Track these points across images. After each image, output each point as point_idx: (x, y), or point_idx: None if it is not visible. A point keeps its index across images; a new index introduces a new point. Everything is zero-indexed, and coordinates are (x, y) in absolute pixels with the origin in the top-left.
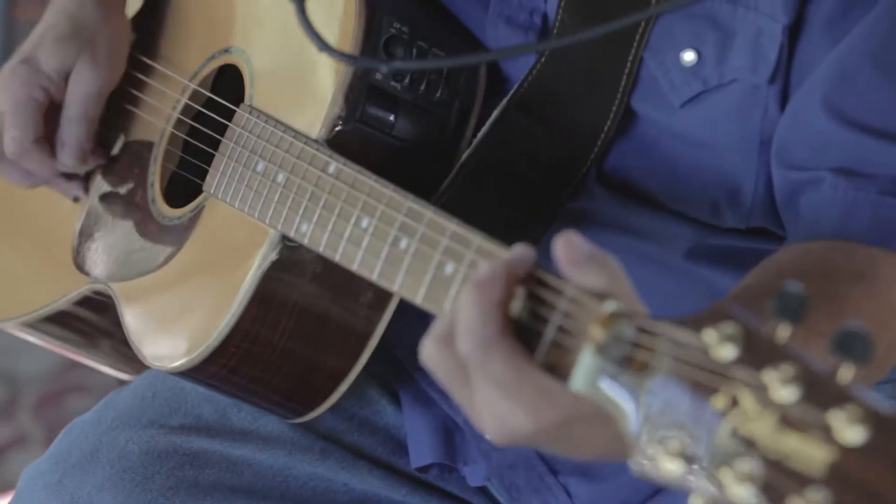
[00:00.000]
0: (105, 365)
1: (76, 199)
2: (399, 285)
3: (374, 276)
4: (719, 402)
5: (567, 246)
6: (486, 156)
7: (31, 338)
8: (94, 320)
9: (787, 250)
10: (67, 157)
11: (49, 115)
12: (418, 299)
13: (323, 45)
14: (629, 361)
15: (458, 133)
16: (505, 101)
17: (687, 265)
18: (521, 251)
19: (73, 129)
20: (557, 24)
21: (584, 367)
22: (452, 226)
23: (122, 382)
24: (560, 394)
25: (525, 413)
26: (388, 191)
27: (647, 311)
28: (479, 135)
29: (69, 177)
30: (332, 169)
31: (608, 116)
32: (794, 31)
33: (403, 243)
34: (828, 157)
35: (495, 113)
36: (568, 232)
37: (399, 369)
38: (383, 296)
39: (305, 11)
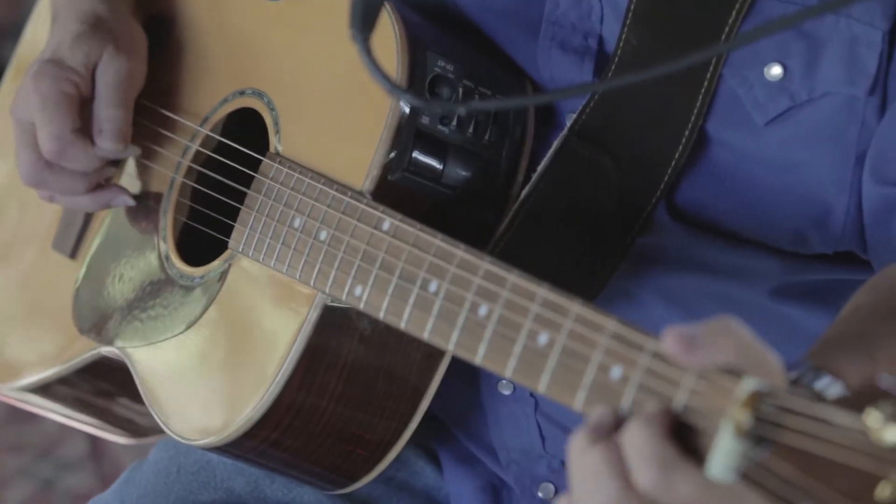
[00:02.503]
0: (101, 429)
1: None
2: (483, 357)
3: (450, 346)
4: (885, 491)
5: (676, 338)
6: (546, 192)
7: (23, 404)
8: (99, 384)
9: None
10: (108, 141)
11: (81, 110)
12: (507, 373)
13: (392, 87)
14: (774, 445)
15: (510, 175)
16: (565, 130)
17: (772, 305)
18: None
19: (109, 113)
20: (621, 44)
21: (724, 452)
22: (543, 290)
23: (94, 444)
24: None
25: None
26: (459, 251)
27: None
28: (538, 170)
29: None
30: (386, 226)
31: (680, 143)
32: (894, 37)
33: (483, 310)
34: None
35: (555, 145)
36: (669, 327)
37: (437, 429)
38: (434, 353)
39: (371, 51)
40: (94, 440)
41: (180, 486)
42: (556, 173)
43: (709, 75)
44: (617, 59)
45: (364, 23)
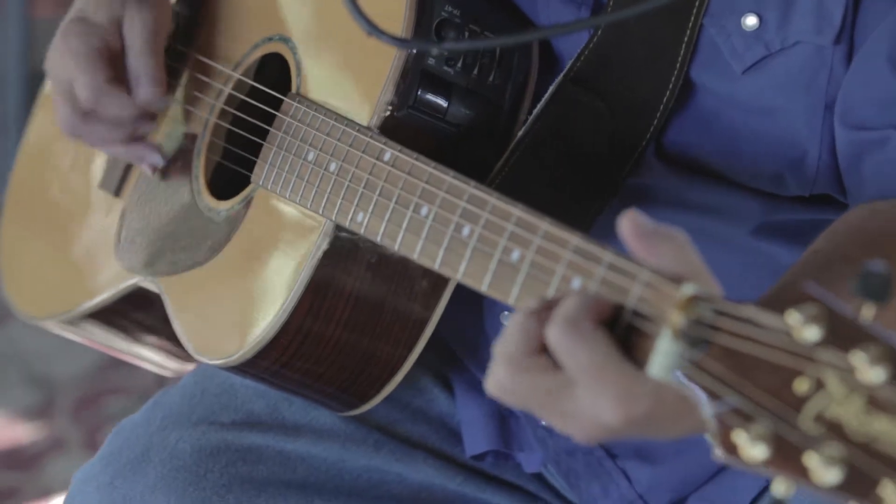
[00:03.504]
0: (147, 362)
1: (154, 169)
2: (462, 273)
3: (435, 265)
4: (803, 385)
5: (632, 223)
6: (542, 132)
7: (73, 336)
8: (138, 316)
9: (854, 211)
10: (146, 89)
11: (113, 63)
12: (483, 287)
13: (372, 28)
14: (708, 346)
15: (512, 116)
16: (561, 76)
17: (754, 242)
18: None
19: (143, 62)
20: None
21: (663, 353)
22: (518, 211)
23: (162, 381)
24: (645, 381)
25: (614, 405)
26: (447, 177)
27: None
28: (535, 111)
29: (143, 140)
30: (387, 157)
31: (667, 88)
32: None
33: (466, 230)
34: (894, 115)
35: (551, 88)
36: (632, 210)
37: (451, 358)
38: (439, 283)
39: None
40: None
41: (203, 408)
42: (551, 115)
43: (690, 24)
44: (611, 4)
45: None
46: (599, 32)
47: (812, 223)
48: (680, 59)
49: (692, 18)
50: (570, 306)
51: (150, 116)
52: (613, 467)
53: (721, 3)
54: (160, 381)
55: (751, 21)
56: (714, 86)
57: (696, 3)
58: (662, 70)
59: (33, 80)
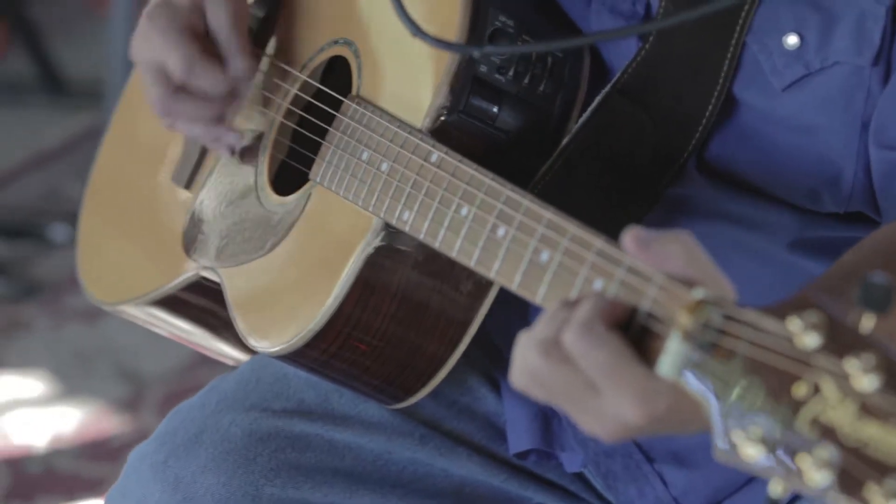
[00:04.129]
0: (213, 350)
1: (233, 152)
2: (495, 272)
3: (472, 263)
4: (801, 389)
5: (632, 236)
6: (586, 141)
7: (144, 323)
8: (203, 305)
9: (883, 228)
10: (239, 61)
11: (201, 41)
12: (514, 286)
13: (416, 30)
14: (715, 348)
15: (560, 125)
16: (608, 87)
17: (789, 257)
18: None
19: (234, 39)
20: (661, 10)
21: (671, 354)
22: (548, 214)
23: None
24: (662, 379)
25: (634, 405)
26: (487, 179)
27: (736, 295)
28: (581, 120)
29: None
30: (434, 158)
31: (710, 103)
32: None
33: (501, 231)
34: None
35: (598, 98)
36: (631, 226)
37: (498, 357)
38: (483, 284)
39: None
40: None
41: (256, 395)
42: (597, 124)
43: (734, 41)
44: (661, 14)
45: None
46: (646, 47)
47: (847, 241)
48: (723, 74)
49: (735, 36)
50: (584, 310)
51: (236, 97)
52: (650, 470)
53: (764, 22)
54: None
55: (792, 40)
56: (755, 102)
57: (740, 21)
58: (706, 85)
59: None
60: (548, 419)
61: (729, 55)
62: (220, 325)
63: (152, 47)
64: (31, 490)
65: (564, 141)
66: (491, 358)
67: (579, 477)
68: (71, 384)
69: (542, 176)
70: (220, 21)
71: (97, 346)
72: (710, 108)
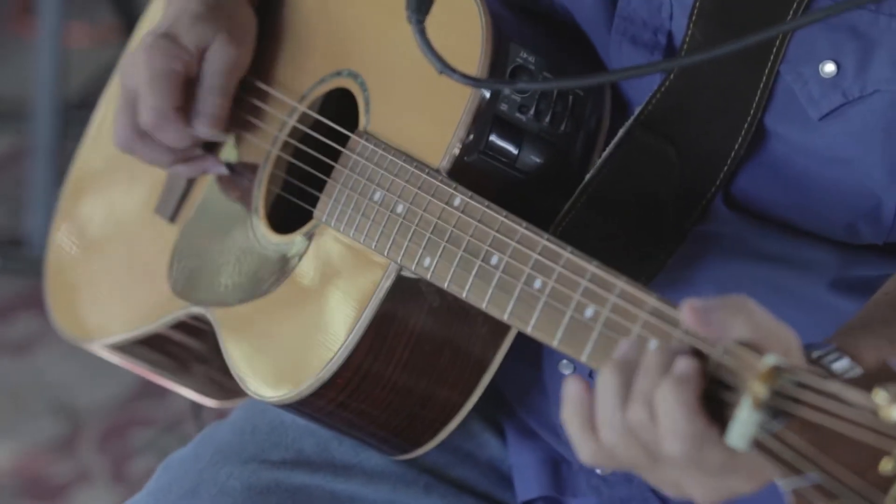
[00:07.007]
0: (193, 390)
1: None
2: (533, 327)
3: (504, 316)
4: (889, 465)
5: (691, 310)
6: (609, 177)
7: (116, 359)
8: (189, 345)
9: None
10: (203, 126)
11: (185, 89)
12: (555, 342)
13: (443, 66)
14: (789, 418)
15: (582, 164)
16: (630, 121)
17: (831, 298)
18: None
19: (211, 99)
20: (687, 39)
21: (742, 422)
22: (592, 267)
23: (198, 410)
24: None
25: (747, 482)
26: (520, 228)
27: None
28: (602, 156)
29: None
30: (457, 202)
31: (739, 135)
32: None
33: (538, 283)
34: None
35: (620, 133)
36: (686, 300)
37: (501, 403)
38: (499, 330)
39: (425, 32)
40: (221, 416)
41: (254, 445)
42: (619, 160)
43: (767, 71)
44: (683, 53)
45: (420, 4)
46: (671, 77)
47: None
48: (754, 105)
49: (769, 65)
50: (681, 417)
51: (203, 145)
52: None
53: (799, 50)
54: (194, 412)
55: (829, 68)
56: (788, 133)
57: (774, 50)
58: (735, 117)
59: (66, 110)
60: (556, 464)
61: (761, 85)
62: (203, 366)
63: (137, 78)
64: None
65: (587, 177)
66: (493, 402)
67: None
68: (1, 422)
69: (565, 215)
70: (209, 73)
71: (29, 381)
72: (740, 140)
